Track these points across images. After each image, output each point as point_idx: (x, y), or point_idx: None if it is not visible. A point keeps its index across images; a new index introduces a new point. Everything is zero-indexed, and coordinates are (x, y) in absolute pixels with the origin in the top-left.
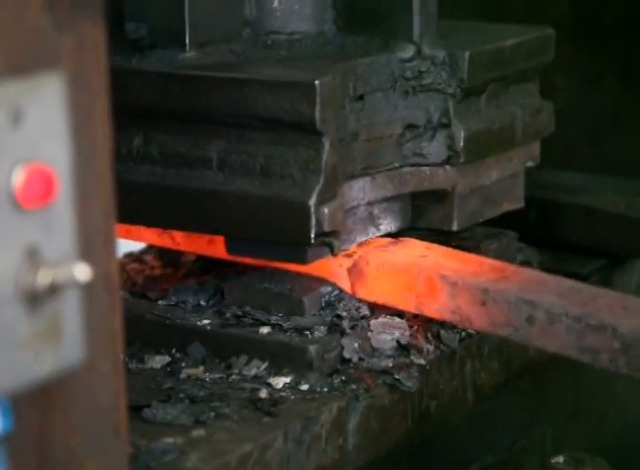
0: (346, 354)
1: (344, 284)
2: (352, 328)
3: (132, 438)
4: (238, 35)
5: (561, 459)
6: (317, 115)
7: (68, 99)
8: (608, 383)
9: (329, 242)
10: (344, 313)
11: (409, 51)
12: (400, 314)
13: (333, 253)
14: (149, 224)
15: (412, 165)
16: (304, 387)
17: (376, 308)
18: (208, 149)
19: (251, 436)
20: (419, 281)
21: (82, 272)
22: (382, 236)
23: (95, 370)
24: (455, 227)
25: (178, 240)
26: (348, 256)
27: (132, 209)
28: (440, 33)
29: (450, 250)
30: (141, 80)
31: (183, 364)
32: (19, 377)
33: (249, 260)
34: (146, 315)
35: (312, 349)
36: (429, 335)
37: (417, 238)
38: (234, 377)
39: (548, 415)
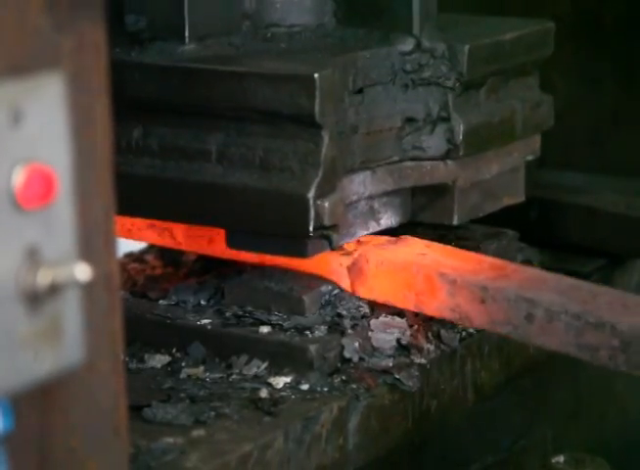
0: (347, 354)
1: (344, 282)
2: (353, 327)
3: (132, 438)
4: (237, 28)
5: (561, 459)
6: (316, 108)
7: (68, 99)
8: (608, 383)
9: (328, 235)
10: (345, 312)
11: (409, 44)
12: (401, 314)
13: (332, 246)
14: (148, 217)
15: (412, 159)
16: (305, 386)
17: (376, 308)
18: (208, 142)
19: (251, 436)
20: (418, 279)
21: (82, 272)
22: (381, 234)
23: (95, 370)
24: (456, 221)
25: (179, 239)
26: (348, 254)
27: (131, 201)
28: (440, 27)
29: (450, 248)
30: (140, 73)
31: (183, 364)
32: (19, 377)
33: (248, 259)
34: (146, 315)
35: (312, 348)
36: (429, 334)
37: (419, 235)
38: (234, 377)
39: (548, 415)
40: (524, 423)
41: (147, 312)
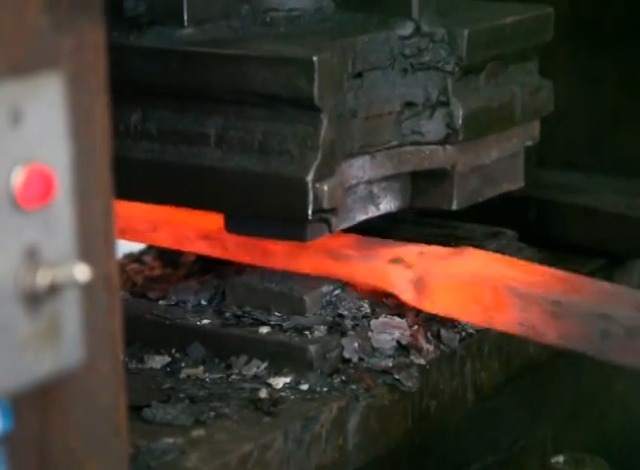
0: (346, 354)
1: (407, 296)
2: (354, 328)
3: (132, 438)
4: (236, 12)
5: (561, 459)
6: (315, 91)
7: (67, 99)
8: (608, 382)
9: (327, 219)
10: (346, 313)
11: (408, 28)
12: (401, 314)
13: (330, 230)
14: (147, 201)
15: (411, 144)
16: (304, 387)
17: (377, 307)
18: (207, 125)
19: (251, 436)
20: (485, 293)
21: (82, 272)
22: (439, 244)
23: (95, 370)
24: (455, 206)
25: (231, 250)
26: (410, 267)
27: (130, 185)
28: (440, 11)
29: (513, 259)
30: (139, 57)
31: (183, 364)
32: (19, 377)
33: (307, 271)
34: (146, 315)
35: (312, 348)
36: (429, 335)
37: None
38: (234, 377)
39: (548, 415)
40: (523, 423)
41: (146, 313)
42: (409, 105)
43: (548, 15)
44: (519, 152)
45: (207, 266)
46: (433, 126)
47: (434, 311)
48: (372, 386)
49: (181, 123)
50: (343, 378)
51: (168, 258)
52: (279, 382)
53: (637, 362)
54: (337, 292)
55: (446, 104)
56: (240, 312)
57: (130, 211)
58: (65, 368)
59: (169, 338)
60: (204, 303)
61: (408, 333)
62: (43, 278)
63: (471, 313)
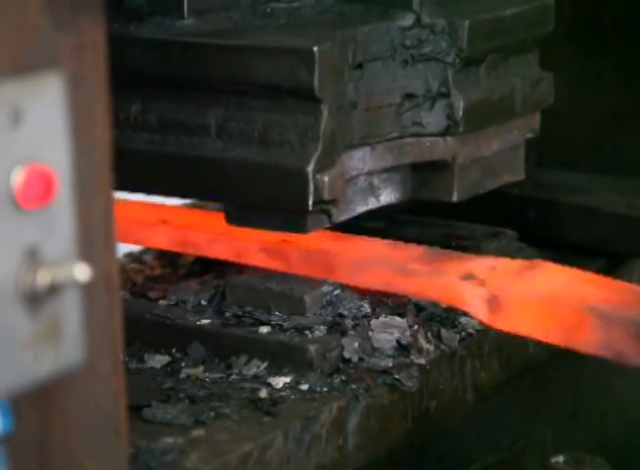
0: (346, 354)
1: (481, 315)
2: (354, 328)
3: (132, 438)
4: (237, 3)
5: (561, 459)
6: (316, 81)
7: (67, 99)
8: (608, 382)
9: (327, 210)
10: (346, 312)
11: (409, 19)
12: (400, 314)
13: (331, 221)
14: (147, 192)
15: (411, 135)
16: (304, 387)
17: (377, 307)
18: (207, 116)
19: (251, 436)
20: (564, 313)
21: (82, 272)
22: (507, 256)
23: (95, 370)
24: (455, 198)
25: (293, 263)
26: (482, 284)
27: (130, 177)
28: (440, 2)
29: (591, 275)
30: (139, 48)
31: (183, 364)
32: (19, 377)
33: (371, 287)
34: (146, 315)
35: (312, 348)
36: (429, 335)
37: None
38: (234, 377)
39: (548, 415)
40: (523, 423)
41: (147, 312)
42: (409, 96)
43: (548, 6)
44: (519, 144)
45: (207, 266)
46: (433, 118)
47: (509, 331)
48: (372, 386)
49: (181, 114)
50: (343, 378)
51: (168, 257)
52: (279, 382)
53: None
54: (337, 292)
55: (447, 95)
56: (240, 312)
57: (187, 223)
58: (65, 368)
59: (169, 338)
60: (204, 303)
61: (408, 333)
62: (43, 278)
63: (549, 334)
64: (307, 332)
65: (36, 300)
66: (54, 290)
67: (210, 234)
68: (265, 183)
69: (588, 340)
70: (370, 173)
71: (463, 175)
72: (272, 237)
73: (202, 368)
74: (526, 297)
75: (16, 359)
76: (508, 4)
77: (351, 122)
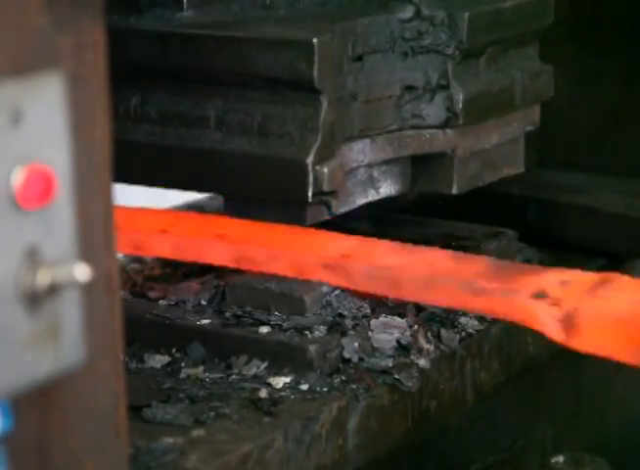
0: (346, 354)
1: (555, 335)
2: (354, 328)
3: (132, 438)
4: None
5: (561, 459)
6: (315, 73)
7: (67, 98)
8: (608, 382)
9: (327, 201)
10: (346, 312)
11: (408, 11)
12: (401, 314)
13: (330, 213)
14: (147, 184)
15: (411, 128)
16: (304, 387)
17: (377, 307)
18: (207, 108)
19: (251, 436)
20: None
21: (82, 272)
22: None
23: (95, 370)
24: (455, 190)
25: (355, 280)
26: (556, 304)
27: (130, 169)
28: None
29: None
30: (139, 39)
31: (183, 364)
32: (18, 377)
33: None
34: (146, 315)
35: (312, 348)
36: (429, 335)
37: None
38: (234, 377)
39: (548, 415)
40: (523, 423)
41: (147, 312)
42: (409, 88)
43: None
44: (519, 137)
45: (207, 267)
46: (433, 110)
47: (585, 351)
48: (372, 386)
49: (181, 106)
50: (343, 378)
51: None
52: (279, 382)
53: None
54: (337, 292)
55: (446, 88)
56: (240, 312)
57: (245, 238)
58: (65, 368)
59: (169, 338)
60: (204, 303)
61: (408, 333)
62: (43, 278)
63: (628, 354)
64: (307, 332)
65: (36, 300)
66: (54, 290)
67: (269, 249)
68: (265, 175)
69: None
70: (370, 165)
71: (463, 168)
72: (332, 251)
73: (202, 368)
74: (602, 317)
75: (15, 359)
76: None
77: (351, 114)
